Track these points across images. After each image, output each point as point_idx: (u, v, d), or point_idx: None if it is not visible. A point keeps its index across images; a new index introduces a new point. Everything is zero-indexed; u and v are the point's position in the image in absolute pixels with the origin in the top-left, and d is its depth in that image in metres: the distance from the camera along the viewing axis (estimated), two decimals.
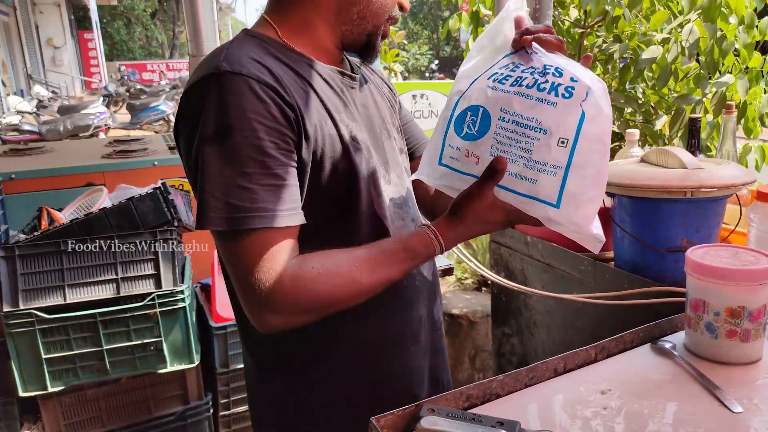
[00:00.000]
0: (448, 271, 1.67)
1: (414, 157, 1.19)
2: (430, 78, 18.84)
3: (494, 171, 0.81)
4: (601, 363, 0.97)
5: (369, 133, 0.99)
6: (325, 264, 0.84)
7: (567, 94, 0.81)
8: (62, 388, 2.04)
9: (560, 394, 0.90)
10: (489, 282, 2.99)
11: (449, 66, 22.16)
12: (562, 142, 0.80)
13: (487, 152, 0.85)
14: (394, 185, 1.03)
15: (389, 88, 1.17)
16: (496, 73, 0.88)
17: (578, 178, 0.81)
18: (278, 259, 0.81)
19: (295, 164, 0.85)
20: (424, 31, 28.83)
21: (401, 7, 0.96)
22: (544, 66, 0.84)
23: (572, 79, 0.82)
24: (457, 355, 2.58)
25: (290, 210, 0.83)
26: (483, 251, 3.09)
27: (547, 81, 0.82)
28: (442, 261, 1.68)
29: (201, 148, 0.81)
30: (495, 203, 0.85)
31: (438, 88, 3.93)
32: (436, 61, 23.06)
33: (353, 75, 1.01)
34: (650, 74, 2.42)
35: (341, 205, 0.93)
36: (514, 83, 0.85)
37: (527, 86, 0.83)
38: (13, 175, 2.63)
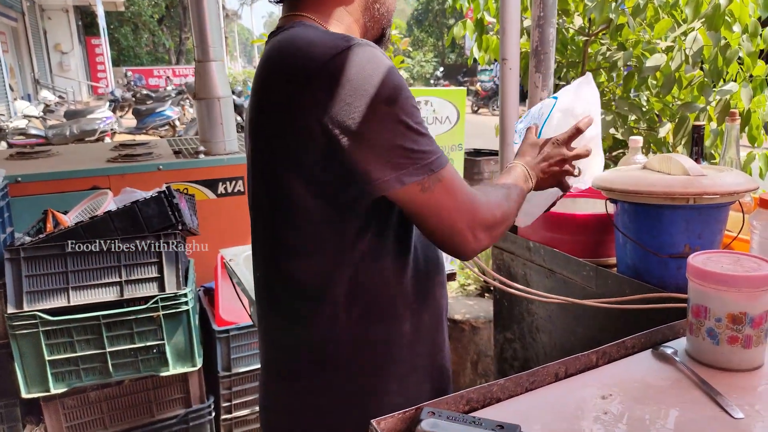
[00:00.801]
0: (450, 277, 1.67)
1: None
2: (435, 85, 18.90)
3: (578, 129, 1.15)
4: (602, 368, 0.97)
5: None
6: (485, 191, 1.01)
7: None
8: (65, 390, 2.05)
9: (561, 399, 0.90)
10: (492, 288, 2.99)
11: (454, 73, 22.21)
12: None
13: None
14: None
15: None
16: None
17: None
18: (466, 186, 0.93)
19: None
20: (429, 39, 28.91)
21: None
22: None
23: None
24: (460, 360, 2.57)
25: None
26: (486, 257, 3.09)
27: None
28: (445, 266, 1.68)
29: (375, 109, 0.82)
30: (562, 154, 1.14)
31: (442, 95, 3.93)
32: (441, 68, 23.12)
33: None
34: (654, 82, 2.43)
35: None
36: None
37: None
38: (20, 178, 2.64)
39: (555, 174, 1.16)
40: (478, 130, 9.70)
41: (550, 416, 0.86)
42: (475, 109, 16.38)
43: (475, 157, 4.59)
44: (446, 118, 3.86)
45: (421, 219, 0.91)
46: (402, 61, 6.05)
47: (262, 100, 0.91)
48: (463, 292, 3.07)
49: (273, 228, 0.97)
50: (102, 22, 14.10)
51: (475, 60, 2.90)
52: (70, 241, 2.07)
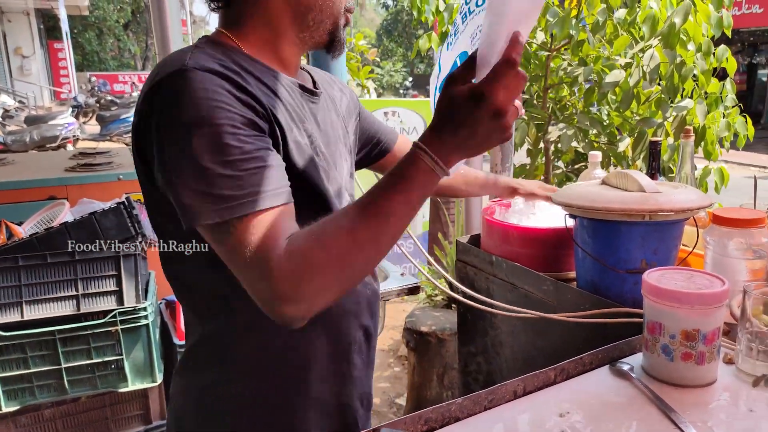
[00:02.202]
0: (414, 290, 1.67)
1: (387, 153, 1.27)
2: (405, 95, 19.02)
3: (473, 55, 0.75)
4: (560, 385, 0.98)
5: (327, 150, 1.00)
6: (312, 230, 0.78)
7: None
8: (18, 407, 1.97)
9: (519, 417, 0.90)
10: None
11: (423, 83, 22.38)
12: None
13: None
14: (345, 200, 1.04)
15: (348, 99, 1.18)
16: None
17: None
18: (276, 241, 0.76)
19: (273, 149, 0.83)
20: (398, 49, 29.10)
21: None
22: None
23: None
24: (426, 372, 2.57)
25: (278, 189, 0.80)
26: (452, 269, 3.11)
27: None
28: (408, 280, 1.68)
29: (176, 144, 0.79)
30: (477, 89, 0.73)
31: (410, 106, 3.97)
32: (411, 79, 23.29)
33: (314, 90, 1.02)
34: (614, 97, 2.49)
35: (308, 211, 0.87)
36: None
37: None
38: None
39: (485, 136, 0.77)
40: None
41: None
42: None
43: None
44: (413, 128, 3.89)
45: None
46: (371, 71, 6.06)
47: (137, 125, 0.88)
48: (430, 303, 3.08)
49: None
50: (65, 26, 13.76)
51: None
52: (23, 254, 2.00)
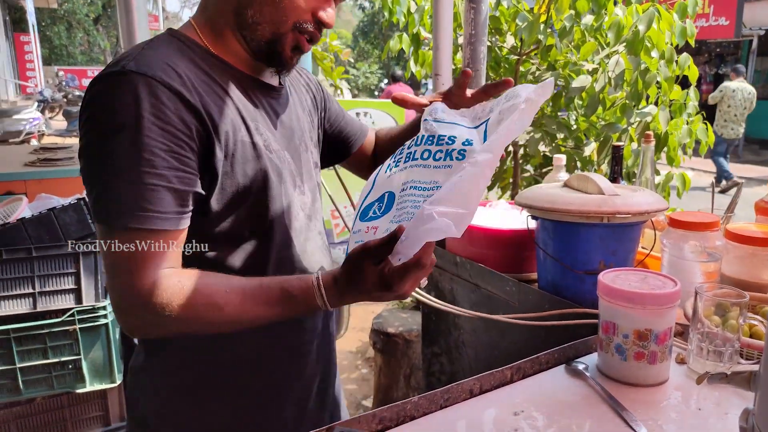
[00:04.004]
0: None
1: (354, 149, 1.26)
2: (380, 96, 19.04)
3: (394, 237, 0.76)
4: (516, 384, 0.99)
5: (287, 143, 1.00)
6: (195, 282, 0.82)
7: (460, 157, 0.81)
8: None
9: (475, 416, 0.90)
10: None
11: None
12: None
13: (388, 222, 0.83)
14: (306, 196, 1.04)
15: (314, 94, 1.18)
16: (391, 160, 0.91)
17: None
18: (149, 264, 0.80)
19: (190, 170, 0.83)
20: (374, 50, 29.12)
21: (323, 23, 0.94)
22: (438, 136, 0.86)
23: (463, 143, 0.83)
24: (392, 374, 2.57)
25: (172, 213, 0.81)
26: None
27: (441, 150, 0.84)
28: None
29: (93, 144, 0.81)
30: (386, 269, 0.79)
31: (381, 107, 3.98)
32: (386, 80, 23.32)
33: (274, 86, 1.01)
34: (580, 102, 2.53)
35: (254, 209, 0.92)
36: (409, 159, 0.87)
37: (423, 158, 0.85)
38: None
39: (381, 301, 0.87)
40: None
41: None
42: None
43: None
44: None
45: None
46: (345, 71, 6.05)
47: None
48: (399, 305, 3.08)
49: None
50: (32, 18, 13.41)
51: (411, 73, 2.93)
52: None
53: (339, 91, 5.70)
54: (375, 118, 3.84)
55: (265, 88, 0.98)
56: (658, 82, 2.32)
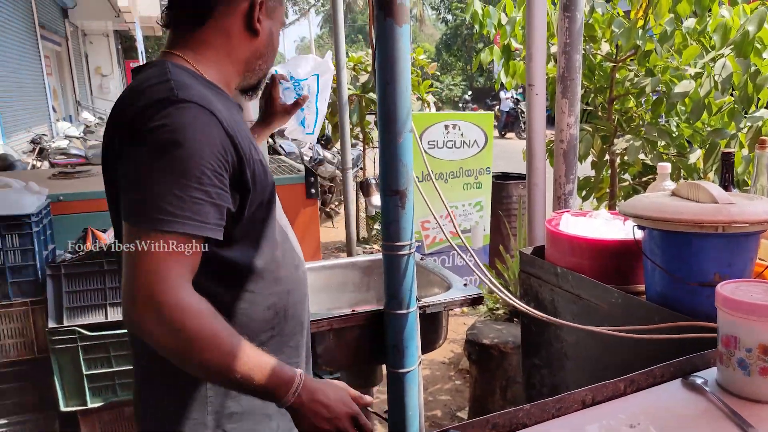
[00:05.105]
0: (477, 300, 1.68)
1: None
2: (464, 108, 18.97)
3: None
4: (630, 396, 0.97)
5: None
6: (210, 312, 0.92)
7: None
8: (101, 404, 2.11)
9: (588, 427, 0.90)
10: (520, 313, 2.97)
11: (483, 96, 22.28)
12: None
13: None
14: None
15: None
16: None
17: None
18: (178, 267, 0.89)
19: (226, 188, 0.95)
20: (457, 63, 29.09)
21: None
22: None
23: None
24: (488, 385, 2.56)
25: (212, 225, 0.93)
26: (514, 282, 3.09)
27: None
28: (471, 290, 1.70)
29: (149, 154, 0.90)
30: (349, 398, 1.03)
31: (469, 119, 3.97)
32: (470, 92, 23.21)
33: (240, 106, 1.15)
34: (683, 108, 2.42)
35: (267, 216, 1.09)
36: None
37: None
38: (61, 197, 2.75)
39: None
40: (506, 154, 9.69)
41: None
42: (503, 133, 16.37)
43: (503, 180, 4.59)
44: (474, 141, 3.88)
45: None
46: (431, 85, 6.12)
47: (112, 135, 0.99)
48: (491, 317, 3.07)
49: None
50: (140, 46, 14.56)
51: (501, 84, 2.94)
52: (107, 259, 2.15)
53: (425, 105, 5.78)
54: (464, 131, 3.85)
55: (240, 109, 1.12)
56: None
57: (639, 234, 1.30)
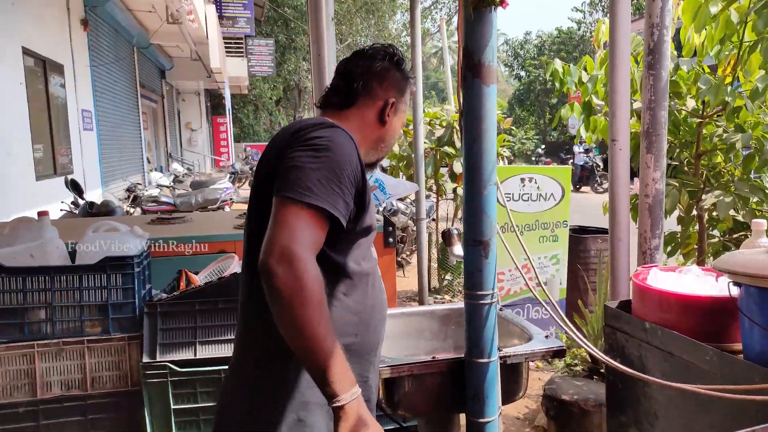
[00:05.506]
0: (559, 353, 1.66)
1: None
2: (537, 162, 18.82)
3: None
4: None
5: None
6: (323, 291, 1.09)
7: None
8: None
9: None
10: (602, 369, 2.86)
11: (556, 150, 22.06)
12: None
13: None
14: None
15: None
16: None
17: None
18: (311, 236, 1.11)
19: (352, 195, 1.20)
20: (530, 117, 29.10)
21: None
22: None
23: None
24: None
25: (339, 208, 1.15)
26: (593, 337, 2.99)
27: None
28: (553, 342, 1.68)
29: (306, 156, 1.16)
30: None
31: (546, 172, 3.97)
32: (543, 146, 23.06)
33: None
34: None
35: (367, 239, 1.33)
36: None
37: None
38: (160, 241, 2.97)
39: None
40: (581, 207, 9.49)
41: None
42: (578, 186, 16.08)
43: (580, 234, 4.50)
44: (550, 195, 3.86)
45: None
46: (504, 140, 6.17)
47: (269, 152, 1.29)
48: (569, 373, 2.97)
49: None
50: (228, 103, 15.61)
51: (571, 138, 2.95)
52: (199, 300, 2.28)
53: (501, 159, 5.82)
54: (540, 184, 3.85)
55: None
56: None
57: (735, 291, 1.26)
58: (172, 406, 2.20)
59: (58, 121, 7.34)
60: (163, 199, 8.46)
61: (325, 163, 1.15)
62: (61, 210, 6.12)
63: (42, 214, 2.53)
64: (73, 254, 2.43)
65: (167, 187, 9.61)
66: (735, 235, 2.59)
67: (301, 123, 1.26)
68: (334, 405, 1.07)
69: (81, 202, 6.17)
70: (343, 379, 1.08)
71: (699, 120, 2.50)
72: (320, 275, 1.09)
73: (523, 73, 32.40)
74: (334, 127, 1.22)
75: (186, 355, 2.28)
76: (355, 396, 1.08)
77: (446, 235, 1.91)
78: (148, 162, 12.70)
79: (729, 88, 2.22)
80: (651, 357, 1.49)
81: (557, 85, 2.73)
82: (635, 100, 2.59)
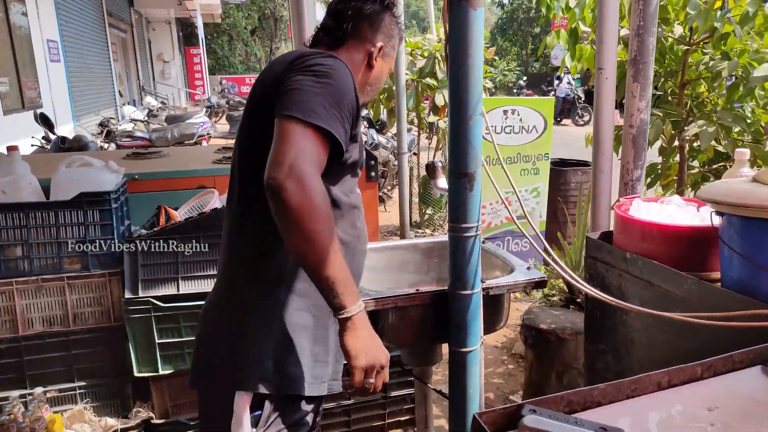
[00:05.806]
0: (540, 284, 1.68)
1: None
2: (518, 94, 18.58)
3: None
4: (707, 381, 0.97)
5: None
6: (329, 207, 1.12)
7: None
8: (172, 371, 2.23)
9: (664, 408, 0.90)
10: (579, 299, 2.93)
11: (537, 82, 21.78)
12: None
13: None
14: None
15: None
16: None
17: None
18: (316, 156, 1.12)
19: (349, 123, 1.20)
20: (513, 48, 28.50)
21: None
22: None
23: None
24: (544, 371, 2.55)
25: (340, 134, 1.16)
26: (574, 267, 3.05)
27: None
28: (534, 273, 1.69)
29: (309, 81, 1.16)
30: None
31: (529, 104, 3.92)
32: (525, 78, 22.74)
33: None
34: (762, 93, 2.32)
35: (354, 172, 1.36)
36: None
37: None
38: (136, 176, 2.89)
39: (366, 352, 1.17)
40: (563, 140, 9.48)
41: (654, 423, 0.87)
42: (559, 119, 16.00)
43: (561, 167, 4.51)
44: (533, 127, 3.83)
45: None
46: (486, 71, 6.05)
47: (264, 80, 1.28)
48: (547, 303, 3.04)
49: None
50: (201, 33, 14.97)
51: (554, 69, 2.88)
52: (179, 236, 2.25)
53: (484, 90, 5.72)
54: (523, 116, 3.80)
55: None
56: None
57: (717, 220, 1.27)
58: (157, 341, 2.22)
59: (22, 52, 7.00)
60: (138, 134, 8.23)
61: (326, 89, 1.16)
62: (32, 146, 5.94)
63: (11, 149, 2.43)
64: (46, 190, 2.36)
65: (141, 121, 9.33)
66: (714, 166, 2.60)
67: (301, 51, 1.27)
68: (343, 316, 1.13)
69: (52, 137, 5.98)
70: (350, 292, 1.13)
71: (686, 47, 2.45)
72: (326, 192, 1.11)
73: (506, 1, 31.44)
74: (334, 57, 1.23)
75: (169, 290, 2.27)
76: (361, 308, 1.14)
77: (430, 168, 1.87)
78: (121, 96, 12.26)
79: (718, 13, 2.17)
80: (630, 286, 1.52)
81: (543, 10, 2.64)
82: (622, 27, 2.52)
